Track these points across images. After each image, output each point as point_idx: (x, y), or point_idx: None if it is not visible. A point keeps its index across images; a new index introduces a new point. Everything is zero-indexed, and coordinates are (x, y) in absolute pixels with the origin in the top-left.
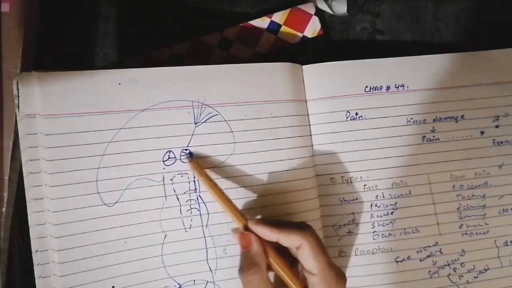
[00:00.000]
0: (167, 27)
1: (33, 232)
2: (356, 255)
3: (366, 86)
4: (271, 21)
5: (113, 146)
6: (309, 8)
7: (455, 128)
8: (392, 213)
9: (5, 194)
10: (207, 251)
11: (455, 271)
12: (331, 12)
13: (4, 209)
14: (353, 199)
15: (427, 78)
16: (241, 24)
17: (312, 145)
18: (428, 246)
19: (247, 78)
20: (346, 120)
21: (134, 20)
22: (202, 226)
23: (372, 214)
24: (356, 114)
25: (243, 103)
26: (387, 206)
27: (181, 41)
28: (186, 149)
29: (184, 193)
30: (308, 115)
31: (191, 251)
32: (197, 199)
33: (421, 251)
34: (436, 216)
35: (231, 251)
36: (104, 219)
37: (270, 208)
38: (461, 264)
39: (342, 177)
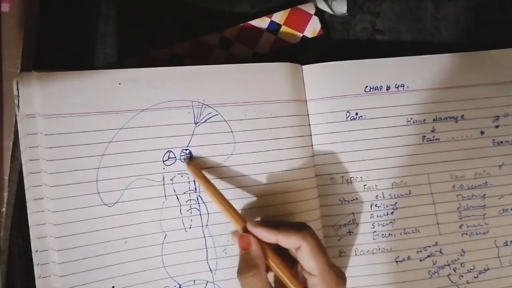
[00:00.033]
0: (167, 27)
1: (33, 232)
2: (356, 255)
3: (366, 86)
4: (271, 21)
5: (113, 146)
6: (309, 8)
7: (455, 128)
8: (392, 213)
9: (5, 194)
10: (207, 251)
11: (455, 271)
12: (331, 12)
13: (4, 209)
14: (353, 199)
15: (427, 78)
16: (241, 24)
17: (312, 145)
18: (428, 246)
19: (247, 78)
20: (346, 120)
21: (134, 20)
22: (202, 226)
23: (372, 214)
24: (356, 114)
25: (243, 103)
26: (387, 206)
27: (181, 41)
28: (186, 149)
29: (184, 193)
30: (308, 115)
31: (191, 251)
32: (197, 199)
33: (421, 251)
34: (436, 216)
35: (231, 251)
36: (104, 219)
37: (270, 208)
38: (461, 264)
39: (342, 177)
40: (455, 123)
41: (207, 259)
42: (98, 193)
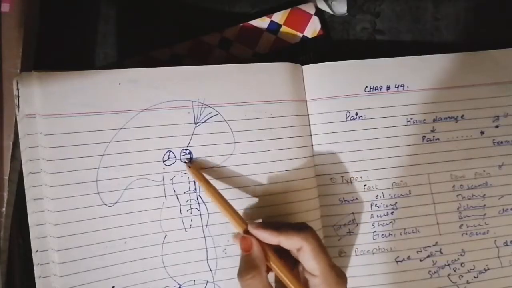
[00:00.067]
0: (167, 27)
1: (33, 232)
2: (356, 255)
3: (366, 86)
4: (271, 21)
5: (113, 146)
6: (309, 8)
7: (455, 128)
8: (392, 213)
9: (5, 194)
10: (207, 251)
11: (455, 271)
12: (331, 12)
13: (4, 209)
14: (353, 199)
15: (427, 78)
16: (241, 24)
17: (312, 145)
18: (428, 246)
19: (247, 78)
20: (346, 120)
21: (134, 20)
22: (202, 226)
23: (372, 214)
24: (356, 114)
25: (243, 103)
26: (387, 206)
27: (181, 41)
28: (186, 149)
29: (184, 193)
30: (308, 115)
31: (191, 251)
32: (197, 199)
33: (421, 251)
34: (436, 216)
35: (231, 251)
36: (104, 219)
37: (270, 208)
38: (461, 264)
39: (342, 177)
40: (455, 123)
41: (207, 259)
42: (98, 193)
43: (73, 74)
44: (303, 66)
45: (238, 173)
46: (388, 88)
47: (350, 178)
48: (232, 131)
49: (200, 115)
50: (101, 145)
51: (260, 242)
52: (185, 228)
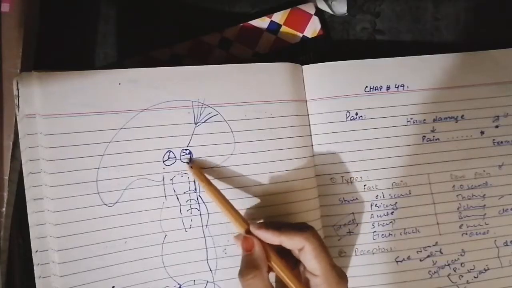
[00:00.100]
0: (167, 27)
1: (33, 232)
2: (356, 255)
3: (366, 86)
4: (271, 21)
5: (113, 146)
6: (309, 8)
7: (455, 128)
8: (392, 213)
9: (5, 194)
10: (207, 251)
11: (455, 271)
12: (331, 12)
13: (4, 209)
14: (353, 199)
15: (427, 78)
16: (241, 24)
17: (312, 145)
18: (428, 246)
19: (247, 78)
20: (346, 120)
21: (134, 20)
22: (202, 226)
23: (372, 214)
24: (356, 114)
25: (243, 103)
26: (387, 206)
27: (181, 41)
28: (186, 149)
29: (184, 193)
30: (308, 115)
31: (191, 251)
32: (197, 199)
33: (421, 251)
34: (436, 216)
35: (231, 251)
36: (104, 219)
37: (270, 208)
38: (461, 264)
39: (342, 177)
40: (455, 123)
41: (207, 259)
42: (98, 193)
43: (73, 74)
44: (303, 66)
45: (238, 173)
46: (388, 88)
47: (350, 178)
48: (232, 131)
49: (200, 115)
50: (101, 145)
51: (261, 242)
52: (185, 228)
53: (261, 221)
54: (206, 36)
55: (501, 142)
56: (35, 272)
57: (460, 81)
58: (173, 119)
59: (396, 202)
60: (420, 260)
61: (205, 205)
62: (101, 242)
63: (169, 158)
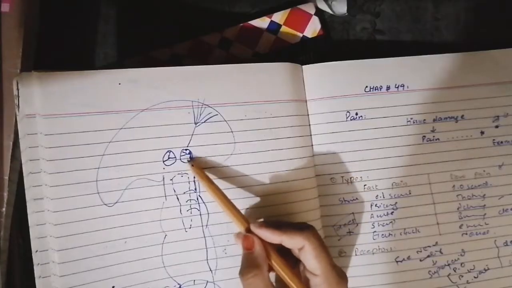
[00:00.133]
0: (167, 27)
1: (33, 232)
2: (356, 255)
3: (366, 86)
4: (271, 21)
5: (113, 146)
6: (309, 8)
7: (455, 128)
8: (392, 213)
9: (5, 194)
10: (207, 251)
11: (455, 271)
12: (331, 12)
13: (4, 209)
14: (353, 199)
15: (427, 78)
16: (241, 24)
17: (312, 145)
18: (428, 246)
19: (247, 78)
20: (346, 120)
21: (134, 20)
22: (202, 226)
23: (372, 214)
24: (356, 114)
25: (243, 103)
26: (387, 206)
27: (181, 41)
28: (186, 149)
29: (184, 193)
30: (308, 115)
31: (191, 251)
32: (197, 199)
33: (421, 251)
34: (436, 216)
35: (231, 251)
36: (104, 219)
37: (270, 208)
38: (461, 264)
39: (342, 177)
40: (455, 123)
41: (207, 259)
42: (98, 193)
43: (73, 74)
44: (303, 66)
45: (238, 173)
46: (388, 88)
47: (350, 178)
48: (232, 131)
49: (200, 115)
50: (101, 145)
51: (262, 241)
52: (185, 228)
53: (261, 220)
54: (206, 36)
55: (501, 142)
56: (35, 272)
57: (460, 81)
58: (173, 119)
59: (396, 202)
60: (420, 260)
61: (205, 205)
62: (101, 242)
63: (169, 158)
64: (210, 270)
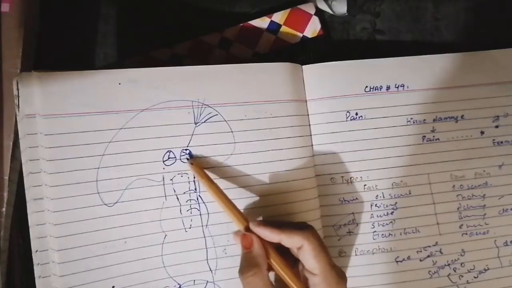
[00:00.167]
0: (167, 27)
1: (33, 232)
2: (356, 255)
3: (366, 86)
4: (271, 21)
5: (113, 146)
6: (309, 8)
7: (455, 128)
8: (392, 213)
9: (5, 194)
10: (207, 251)
11: (455, 271)
12: (331, 12)
13: (4, 209)
14: (353, 199)
15: (427, 78)
16: (241, 24)
17: (312, 145)
18: (428, 246)
19: (247, 78)
20: (346, 120)
21: (134, 20)
22: (202, 226)
23: (372, 214)
24: (356, 114)
25: (243, 103)
26: (387, 206)
27: (181, 41)
28: (186, 149)
29: (184, 193)
30: (308, 115)
31: (191, 251)
32: (197, 199)
33: (421, 251)
34: (436, 216)
35: (231, 251)
36: (104, 219)
37: (270, 208)
38: (461, 264)
39: (342, 177)
40: (455, 123)
41: (207, 259)
42: (98, 193)
43: (73, 74)
44: (303, 66)
45: (238, 173)
46: (388, 88)
47: (350, 178)
48: (232, 131)
49: (200, 115)
50: (101, 145)
51: (261, 240)
52: (185, 228)
53: (260, 218)
54: (206, 36)
55: (501, 142)
56: (35, 272)
57: (460, 81)
58: (173, 119)
59: (396, 202)
60: (420, 260)
61: (205, 205)
62: (101, 242)
63: (169, 158)
64: (210, 270)
